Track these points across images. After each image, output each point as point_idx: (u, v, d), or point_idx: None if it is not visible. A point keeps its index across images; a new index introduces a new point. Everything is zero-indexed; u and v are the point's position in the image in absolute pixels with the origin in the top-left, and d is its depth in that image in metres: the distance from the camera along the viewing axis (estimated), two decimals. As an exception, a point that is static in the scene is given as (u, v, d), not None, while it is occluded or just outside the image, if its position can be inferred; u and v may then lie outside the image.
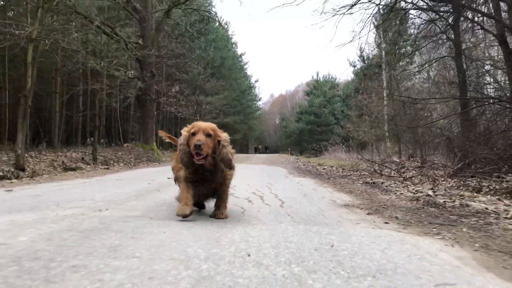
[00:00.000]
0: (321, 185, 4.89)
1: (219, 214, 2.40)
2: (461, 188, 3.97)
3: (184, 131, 2.28)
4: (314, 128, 36.37)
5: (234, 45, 34.53)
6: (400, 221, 2.41)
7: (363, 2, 6.42)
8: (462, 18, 6.51)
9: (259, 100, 47.21)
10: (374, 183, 4.89)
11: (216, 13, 25.71)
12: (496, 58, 7.94)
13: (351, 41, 6.94)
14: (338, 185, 4.87)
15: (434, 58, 8.96)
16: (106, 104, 13.36)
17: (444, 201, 3.04)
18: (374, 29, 7.84)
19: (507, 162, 4.59)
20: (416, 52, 9.18)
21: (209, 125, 2.26)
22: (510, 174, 4.36)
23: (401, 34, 8.37)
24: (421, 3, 6.89)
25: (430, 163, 7.53)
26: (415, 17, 8.17)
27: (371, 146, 16.89)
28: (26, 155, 7.51)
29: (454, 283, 1.22)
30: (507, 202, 2.97)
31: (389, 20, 7.68)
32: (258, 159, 15.72)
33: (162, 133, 3.01)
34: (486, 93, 7.57)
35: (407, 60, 9.99)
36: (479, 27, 6.36)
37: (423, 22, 7.31)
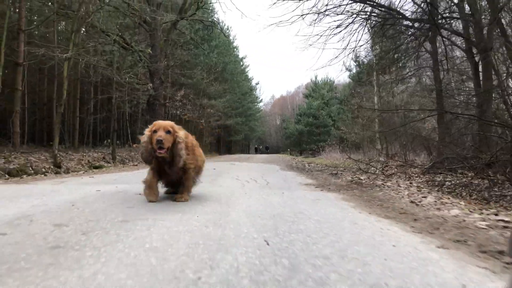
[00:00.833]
0: (299, 175, 6.58)
1: (178, 197, 2.75)
2: (429, 182, 4.63)
3: (147, 131, 2.55)
4: (313, 129, 37.59)
5: (235, 49, 35.91)
6: (329, 189, 4.12)
7: (346, 25, 7.03)
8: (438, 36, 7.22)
9: (260, 101, 48.62)
10: (336, 173, 6.57)
11: (218, 18, 27.18)
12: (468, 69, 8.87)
13: (336, 57, 7.68)
14: (311, 175, 6.54)
15: (413, 69, 10.38)
16: (121, 110, 15.06)
17: (365, 181, 4.74)
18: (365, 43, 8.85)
19: (469, 161, 5.20)
20: (405, 61, 10.24)
21: (168, 123, 2.53)
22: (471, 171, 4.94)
23: (386, 50, 9.15)
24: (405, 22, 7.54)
25: (411, 162, 8.34)
26: (398, 33, 8.96)
27: (363, 147, 18.50)
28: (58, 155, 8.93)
29: (320, 199, 2.93)
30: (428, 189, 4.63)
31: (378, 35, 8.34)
32: (259, 159, 17.40)
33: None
34: (461, 98, 8.09)
35: (395, 68, 11.06)
36: (450, 42, 7.41)
37: (408, 35, 7.96)
